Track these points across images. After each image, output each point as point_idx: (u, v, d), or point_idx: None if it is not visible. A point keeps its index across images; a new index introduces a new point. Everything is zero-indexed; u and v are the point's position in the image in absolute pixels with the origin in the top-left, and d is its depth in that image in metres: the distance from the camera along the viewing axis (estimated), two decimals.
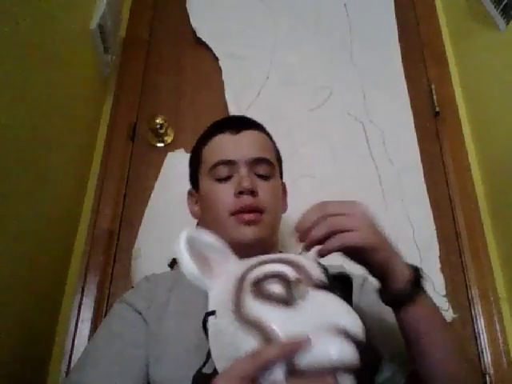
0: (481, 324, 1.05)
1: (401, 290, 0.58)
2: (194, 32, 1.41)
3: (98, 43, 1.24)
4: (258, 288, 0.48)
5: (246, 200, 0.78)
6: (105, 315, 1.05)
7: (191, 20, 1.42)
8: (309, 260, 0.54)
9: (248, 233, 0.78)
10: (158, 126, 1.23)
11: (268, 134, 0.92)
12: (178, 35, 1.43)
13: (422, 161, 1.23)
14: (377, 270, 0.58)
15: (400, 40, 1.40)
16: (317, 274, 0.51)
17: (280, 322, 0.45)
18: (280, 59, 1.37)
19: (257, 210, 0.79)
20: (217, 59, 1.37)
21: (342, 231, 0.54)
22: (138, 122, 1.31)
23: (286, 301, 0.46)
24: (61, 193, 1.08)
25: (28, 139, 0.91)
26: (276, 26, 1.42)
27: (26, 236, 0.92)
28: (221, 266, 0.54)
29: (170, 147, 1.25)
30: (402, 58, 1.37)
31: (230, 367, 0.45)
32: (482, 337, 1.03)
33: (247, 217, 0.77)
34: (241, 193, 0.78)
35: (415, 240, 1.12)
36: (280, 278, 0.48)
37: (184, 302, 0.59)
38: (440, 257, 1.11)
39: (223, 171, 0.81)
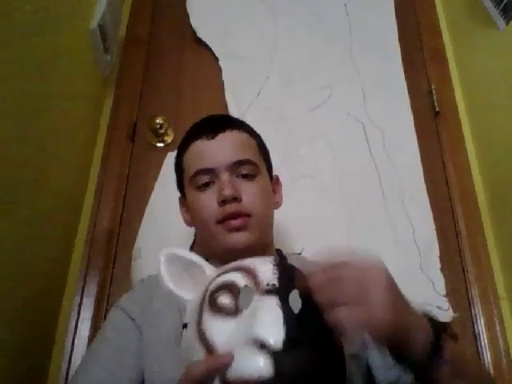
0: (481, 324, 1.05)
1: (421, 360, 0.51)
2: (194, 32, 1.41)
3: (98, 43, 1.24)
4: (212, 301, 0.52)
5: (230, 208, 0.76)
6: (105, 315, 1.05)
7: (191, 20, 1.42)
8: (266, 263, 0.55)
9: (239, 239, 0.76)
10: (158, 126, 1.23)
11: (249, 131, 0.86)
12: (178, 35, 1.44)
13: (422, 161, 1.22)
14: (393, 347, 0.52)
15: (400, 40, 1.40)
16: (268, 278, 0.52)
17: (220, 334, 0.50)
18: (280, 59, 1.37)
19: (242, 214, 0.77)
20: (217, 59, 1.37)
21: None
22: (138, 122, 1.31)
23: (233, 311, 0.51)
24: (61, 193, 1.08)
25: (28, 139, 0.91)
26: (276, 26, 1.42)
27: (26, 236, 0.92)
28: (199, 279, 0.57)
29: (170, 147, 1.25)
30: (402, 58, 1.37)
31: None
32: (481, 337, 1.03)
33: (234, 223, 0.76)
34: (223, 201, 0.76)
35: (415, 240, 1.12)
36: (230, 287, 0.52)
37: None
38: (440, 257, 1.11)
39: (203, 179, 0.78)
